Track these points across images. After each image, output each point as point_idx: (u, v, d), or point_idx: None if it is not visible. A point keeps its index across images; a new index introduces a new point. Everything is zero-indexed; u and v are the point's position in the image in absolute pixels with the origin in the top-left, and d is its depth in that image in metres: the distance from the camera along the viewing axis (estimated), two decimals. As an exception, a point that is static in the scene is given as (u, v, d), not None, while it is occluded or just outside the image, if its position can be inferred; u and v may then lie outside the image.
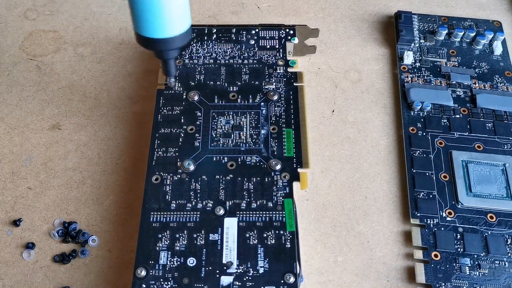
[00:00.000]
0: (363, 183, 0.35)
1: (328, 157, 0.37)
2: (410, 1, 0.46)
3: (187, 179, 0.32)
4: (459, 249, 0.32)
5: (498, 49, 0.41)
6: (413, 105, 0.37)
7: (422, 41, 0.42)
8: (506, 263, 0.31)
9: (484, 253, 0.32)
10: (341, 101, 0.39)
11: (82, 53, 0.42)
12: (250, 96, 0.36)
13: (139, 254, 0.30)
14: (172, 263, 0.29)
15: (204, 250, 0.30)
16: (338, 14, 0.44)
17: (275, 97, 0.36)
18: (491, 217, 0.33)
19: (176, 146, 0.34)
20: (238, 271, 0.29)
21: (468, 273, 0.31)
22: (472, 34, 0.41)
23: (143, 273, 0.29)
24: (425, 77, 0.39)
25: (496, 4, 0.45)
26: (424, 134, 0.37)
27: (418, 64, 0.40)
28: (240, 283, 0.29)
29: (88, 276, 0.32)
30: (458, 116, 0.37)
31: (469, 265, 0.31)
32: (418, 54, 0.41)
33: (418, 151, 0.36)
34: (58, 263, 0.32)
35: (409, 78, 0.39)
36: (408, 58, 0.40)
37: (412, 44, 0.41)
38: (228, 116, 0.35)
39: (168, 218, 0.31)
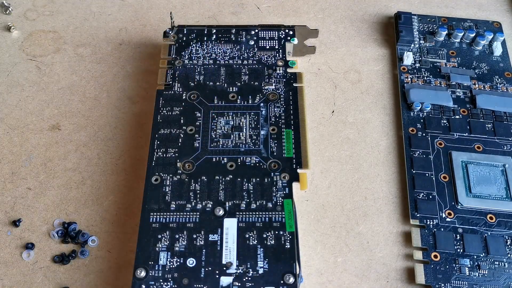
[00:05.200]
0: (363, 184, 0.35)
1: (328, 157, 0.37)
2: (410, 1, 0.46)
3: (186, 179, 0.32)
4: (458, 250, 0.32)
5: (497, 50, 0.41)
6: (412, 106, 0.37)
7: (422, 41, 0.42)
8: (506, 263, 0.31)
9: (483, 254, 0.32)
10: (341, 101, 0.39)
11: (82, 53, 0.42)
12: (250, 96, 0.36)
13: (138, 254, 0.30)
14: (171, 263, 0.29)
15: (204, 250, 0.30)
16: (338, 15, 0.44)
17: (275, 98, 0.36)
18: (491, 218, 0.33)
19: (176, 146, 0.34)
20: (238, 271, 0.29)
21: (467, 274, 0.31)
22: (472, 35, 0.41)
23: (143, 273, 0.29)
24: (425, 78, 0.39)
25: (496, 5, 0.46)
26: (424, 134, 0.37)
27: (418, 64, 0.40)
28: (239, 284, 0.29)
29: (88, 277, 0.32)
30: (457, 116, 0.37)
31: (469, 265, 0.31)
32: (418, 54, 0.41)
33: (418, 152, 0.36)
34: (57, 264, 0.32)
35: (409, 79, 0.39)
36: (408, 58, 0.40)
37: (412, 45, 0.41)
38: (227, 117, 0.35)
39: (167, 218, 0.31)
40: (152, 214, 0.31)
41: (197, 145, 0.34)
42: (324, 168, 0.36)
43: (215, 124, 0.35)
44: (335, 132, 0.38)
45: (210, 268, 0.29)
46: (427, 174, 0.35)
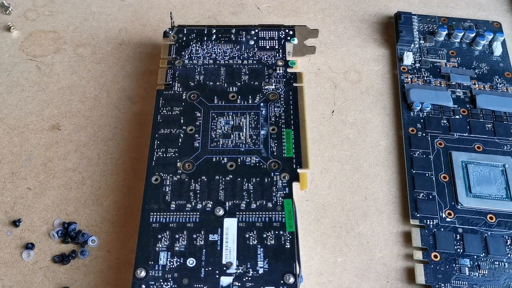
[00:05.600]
0: (363, 184, 0.35)
1: (328, 157, 0.37)
2: (410, 1, 0.46)
3: (186, 179, 0.32)
4: (458, 250, 0.32)
5: (497, 50, 0.41)
6: (412, 106, 0.37)
7: (422, 41, 0.42)
8: (506, 263, 0.31)
9: (483, 254, 0.32)
10: (341, 101, 0.39)
11: (82, 53, 0.42)
12: (250, 96, 0.36)
13: (138, 254, 0.30)
14: (171, 263, 0.29)
15: (204, 250, 0.30)
16: (338, 15, 0.44)
17: (275, 98, 0.36)
18: (491, 218, 0.33)
19: (176, 146, 0.34)
20: (238, 271, 0.29)
21: (467, 274, 0.31)
22: (472, 35, 0.41)
23: (143, 273, 0.29)
24: (425, 78, 0.39)
25: (496, 5, 0.46)
26: (424, 134, 0.37)
27: (418, 64, 0.40)
28: (239, 284, 0.29)
29: (88, 277, 0.32)
30: (457, 116, 0.37)
31: (469, 265, 0.31)
32: (418, 54, 0.41)
33: (418, 152, 0.36)
34: (57, 264, 0.32)
35: (409, 79, 0.39)
36: (408, 58, 0.40)
37: (412, 45, 0.41)
38: (227, 117, 0.35)
39: (167, 218, 0.31)
40: (152, 214, 0.31)
41: (197, 145, 0.34)
42: (324, 168, 0.36)
43: (215, 124, 0.35)
44: (335, 132, 0.38)
45: (210, 268, 0.29)
46: (427, 174, 0.35)
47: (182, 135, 0.34)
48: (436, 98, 0.38)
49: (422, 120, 0.37)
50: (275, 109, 0.35)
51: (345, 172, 0.36)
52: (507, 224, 0.33)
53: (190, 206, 0.31)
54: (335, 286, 0.32)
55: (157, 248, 0.30)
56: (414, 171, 0.35)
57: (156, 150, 0.34)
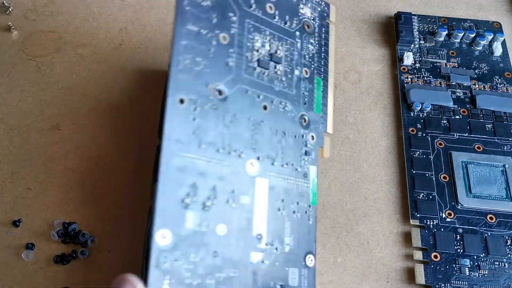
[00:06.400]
0: (363, 184, 0.35)
1: (328, 157, 0.37)
2: (410, 2, 0.46)
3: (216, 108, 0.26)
4: (458, 250, 0.32)
5: (497, 50, 0.41)
6: (413, 106, 0.38)
7: (422, 42, 0.42)
8: (506, 264, 0.31)
9: (483, 254, 0.32)
10: (341, 101, 0.39)
11: (82, 53, 0.42)
12: (287, 17, 0.31)
13: (158, 211, 0.22)
14: (200, 227, 0.24)
15: (235, 216, 0.25)
16: (338, 15, 0.44)
17: (311, 31, 0.32)
18: (491, 218, 0.33)
19: (206, 57, 0.26)
20: (267, 246, 0.26)
21: (468, 274, 0.31)
22: (472, 35, 0.41)
23: (167, 240, 0.22)
24: (425, 78, 0.39)
25: (496, 5, 0.46)
26: (424, 135, 0.37)
27: (418, 65, 0.40)
28: (268, 262, 0.26)
29: (88, 277, 0.32)
30: (458, 117, 0.37)
31: (469, 266, 0.31)
32: (418, 55, 0.41)
33: (418, 152, 0.36)
34: (57, 264, 0.32)
35: (409, 79, 0.39)
36: (408, 59, 0.40)
37: (412, 45, 0.41)
38: (264, 37, 0.29)
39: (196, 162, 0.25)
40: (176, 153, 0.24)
41: (232, 64, 0.27)
42: (324, 168, 0.36)
43: (251, 41, 0.28)
44: (335, 132, 0.38)
45: (240, 241, 0.25)
46: (427, 174, 0.35)
47: (214, 42, 0.27)
48: (436, 98, 0.38)
49: (422, 120, 0.37)
50: (309, 45, 0.32)
51: (345, 172, 0.36)
52: (507, 224, 0.33)
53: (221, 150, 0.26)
54: (335, 286, 0.32)
55: (183, 204, 0.23)
56: (414, 171, 0.35)
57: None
